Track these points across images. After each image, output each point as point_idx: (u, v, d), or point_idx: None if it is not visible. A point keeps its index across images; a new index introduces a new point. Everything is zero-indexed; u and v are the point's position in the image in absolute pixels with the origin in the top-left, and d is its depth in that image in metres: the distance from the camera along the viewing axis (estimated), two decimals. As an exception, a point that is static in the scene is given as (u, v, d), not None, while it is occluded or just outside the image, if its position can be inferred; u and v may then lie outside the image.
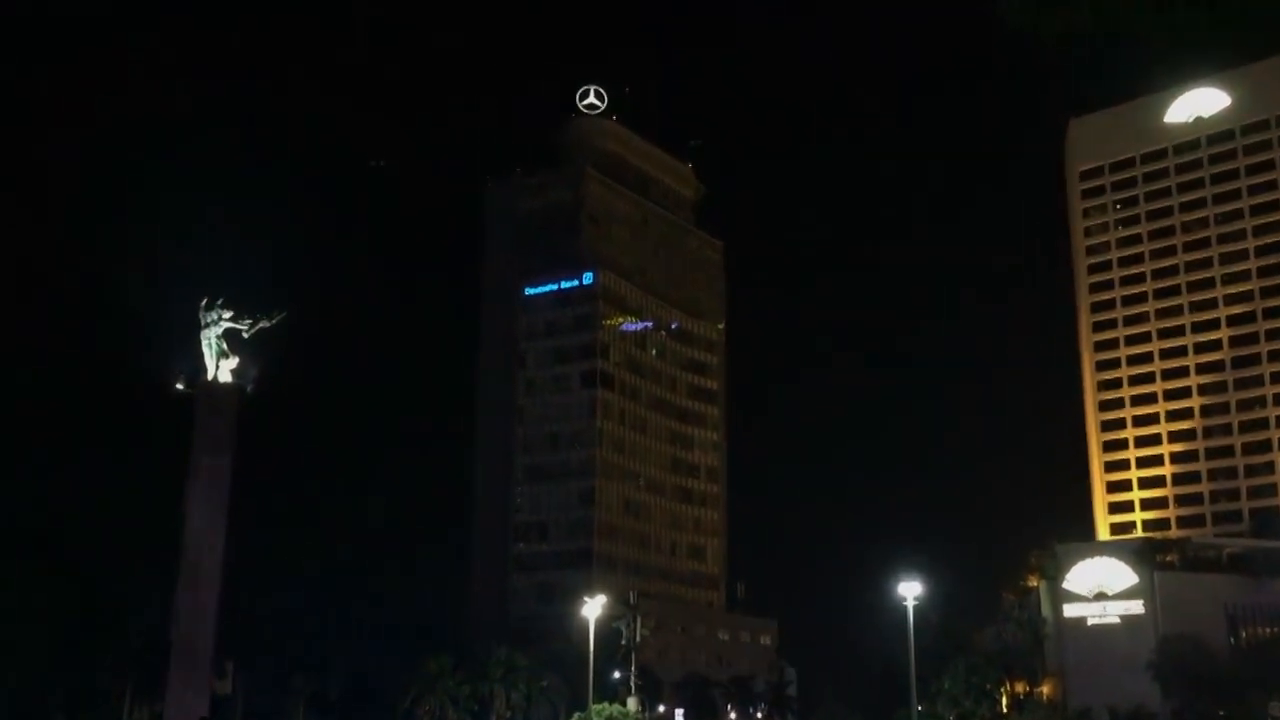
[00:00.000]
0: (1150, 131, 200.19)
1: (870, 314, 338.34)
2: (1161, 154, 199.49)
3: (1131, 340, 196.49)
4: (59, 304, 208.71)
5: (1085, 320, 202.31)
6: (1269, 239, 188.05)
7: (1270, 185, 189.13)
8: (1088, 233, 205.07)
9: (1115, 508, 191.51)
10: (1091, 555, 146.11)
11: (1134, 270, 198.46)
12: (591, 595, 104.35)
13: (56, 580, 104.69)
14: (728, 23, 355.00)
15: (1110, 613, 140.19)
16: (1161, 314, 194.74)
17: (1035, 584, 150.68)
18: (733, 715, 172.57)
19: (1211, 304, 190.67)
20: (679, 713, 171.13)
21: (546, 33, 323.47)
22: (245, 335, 71.65)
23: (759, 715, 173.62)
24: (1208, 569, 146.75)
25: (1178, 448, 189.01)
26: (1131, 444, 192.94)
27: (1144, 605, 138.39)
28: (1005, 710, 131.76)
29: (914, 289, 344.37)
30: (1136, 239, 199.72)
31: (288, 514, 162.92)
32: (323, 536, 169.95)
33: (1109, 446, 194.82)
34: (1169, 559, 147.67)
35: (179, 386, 69.30)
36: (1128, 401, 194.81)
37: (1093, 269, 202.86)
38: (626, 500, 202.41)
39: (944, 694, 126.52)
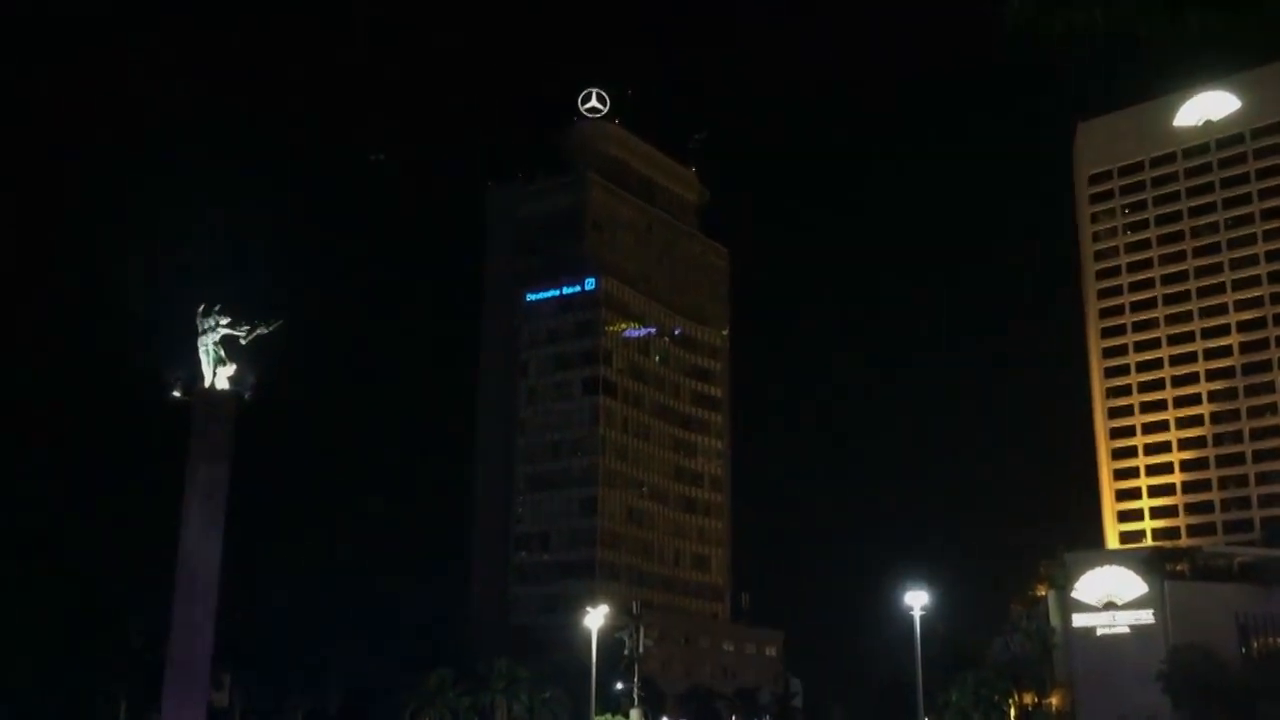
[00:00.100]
0: (1159, 135, 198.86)
1: (875, 321, 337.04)
2: (1171, 158, 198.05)
3: (1141, 346, 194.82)
4: (59, 305, 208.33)
5: (1094, 325, 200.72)
6: None
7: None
8: (1096, 237, 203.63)
9: (1124, 516, 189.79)
10: (1101, 564, 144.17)
11: (1143, 275, 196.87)
12: (594, 605, 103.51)
13: (56, 581, 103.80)
14: (728, 23, 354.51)
15: (1120, 622, 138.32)
16: (1171, 319, 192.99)
17: (1044, 593, 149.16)
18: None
19: (1222, 309, 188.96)
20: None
21: (547, 33, 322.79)
22: (243, 342, 70.31)
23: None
24: (1218, 578, 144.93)
25: (1188, 455, 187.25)
26: (1141, 451, 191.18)
27: (1154, 615, 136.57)
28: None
29: (919, 294, 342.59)
30: (1146, 244, 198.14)
31: (286, 523, 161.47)
32: (321, 547, 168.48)
33: (1118, 454, 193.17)
34: (1179, 568, 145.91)
35: (175, 394, 67.91)
36: (1137, 408, 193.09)
37: (1101, 274, 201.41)
38: (629, 509, 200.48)
39: (952, 706, 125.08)
